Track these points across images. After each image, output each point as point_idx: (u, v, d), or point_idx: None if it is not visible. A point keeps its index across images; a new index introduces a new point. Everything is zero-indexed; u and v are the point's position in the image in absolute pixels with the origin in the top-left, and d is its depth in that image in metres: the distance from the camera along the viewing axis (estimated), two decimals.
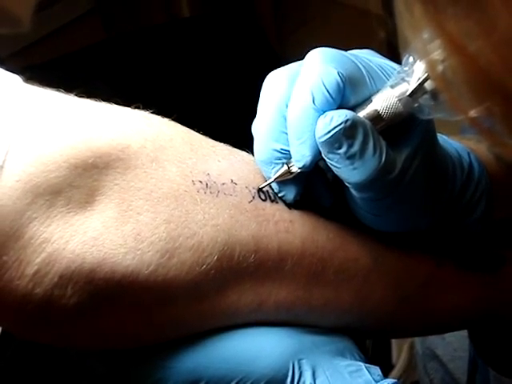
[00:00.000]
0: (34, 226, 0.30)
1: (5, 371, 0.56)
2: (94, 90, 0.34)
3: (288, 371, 0.34)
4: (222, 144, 0.37)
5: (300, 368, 0.34)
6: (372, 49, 0.42)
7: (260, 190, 0.35)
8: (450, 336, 0.49)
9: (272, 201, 0.36)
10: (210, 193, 0.34)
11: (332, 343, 0.36)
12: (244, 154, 0.37)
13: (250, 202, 0.35)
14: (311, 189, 0.37)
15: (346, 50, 0.38)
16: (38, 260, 0.30)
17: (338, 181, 0.36)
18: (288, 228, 0.36)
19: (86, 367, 0.55)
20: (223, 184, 0.34)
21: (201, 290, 0.34)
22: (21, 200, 0.30)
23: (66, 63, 0.76)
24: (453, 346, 0.49)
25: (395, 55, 1.41)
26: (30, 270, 0.30)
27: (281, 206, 0.36)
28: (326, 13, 1.98)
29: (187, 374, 0.34)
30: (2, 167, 0.30)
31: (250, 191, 0.35)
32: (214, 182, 0.34)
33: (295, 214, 0.36)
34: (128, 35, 1.02)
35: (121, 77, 0.72)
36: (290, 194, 0.36)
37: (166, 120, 0.35)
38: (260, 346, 0.35)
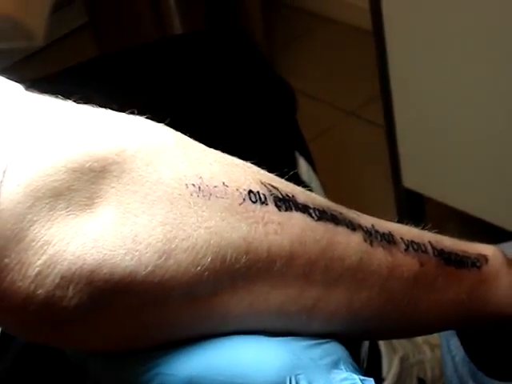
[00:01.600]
0: (34, 228, 0.31)
1: (5, 374, 0.57)
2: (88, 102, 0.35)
3: None
4: (212, 149, 0.37)
5: (297, 383, 0.35)
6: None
7: (250, 191, 0.36)
8: None
9: (262, 203, 0.36)
10: (203, 196, 0.35)
11: (327, 355, 0.37)
12: (234, 157, 0.38)
13: (240, 205, 0.36)
14: None
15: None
16: (40, 262, 0.31)
17: None
18: (277, 230, 0.36)
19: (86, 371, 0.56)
20: (215, 187, 0.35)
21: (195, 291, 0.34)
22: (22, 204, 0.31)
23: (60, 78, 0.76)
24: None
25: (384, 70, 1.42)
26: (32, 272, 0.31)
27: (270, 207, 0.37)
28: (315, 28, 2.01)
29: (183, 382, 0.34)
30: (4, 172, 0.31)
31: (240, 193, 0.36)
32: (207, 185, 0.35)
33: (284, 216, 0.37)
34: (123, 51, 1.02)
35: (115, 91, 0.72)
36: None
37: (159, 125, 0.36)
38: (256, 359, 0.35)
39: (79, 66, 0.84)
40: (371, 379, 0.37)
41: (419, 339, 1.13)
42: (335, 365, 0.37)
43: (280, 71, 0.97)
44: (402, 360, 1.10)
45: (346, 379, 0.36)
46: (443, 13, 1.13)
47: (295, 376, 0.35)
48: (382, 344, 1.06)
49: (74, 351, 0.38)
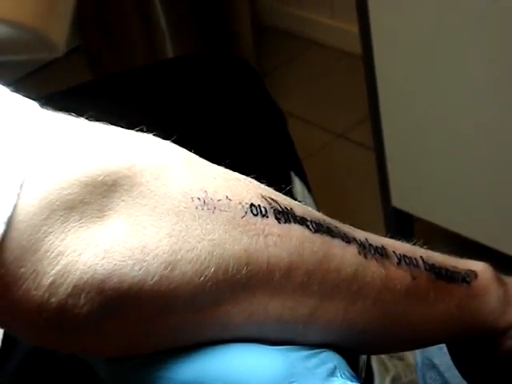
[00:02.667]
0: (49, 240, 0.33)
1: (10, 378, 0.57)
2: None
3: None
4: (215, 165, 0.39)
5: None
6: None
7: (252, 205, 0.38)
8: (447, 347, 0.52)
9: (263, 216, 0.38)
10: (208, 209, 0.36)
11: (323, 364, 0.38)
12: (235, 173, 0.39)
13: (242, 218, 0.37)
14: None
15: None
16: (54, 271, 0.33)
17: None
18: (276, 242, 0.38)
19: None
20: (219, 200, 0.37)
21: (198, 300, 0.36)
22: (37, 215, 0.32)
23: (55, 100, 0.78)
24: (449, 356, 0.52)
25: (374, 93, 1.44)
26: (46, 281, 0.33)
27: (270, 220, 0.38)
28: (304, 52, 2.03)
29: None
30: (21, 186, 0.32)
31: (242, 207, 0.37)
32: (211, 199, 0.36)
33: (283, 228, 0.38)
34: (116, 75, 1.04)
35: (111, 113, 0.74)
36: None
37: (167, 142, 0.38)
38: (253, 367, 0.36)
39: (76, 88, 0.86)
40: None
41: (411, 360, 1.14)
42: (331, 373, 0.38)
43: (270, 94, 0.99)
44: (394, 380, 1.11)
45: None
46: (432, 36, 1.15)
47: (290, 383, 0.36)
48: (374, 363, 1.07)
49: None
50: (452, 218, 1.30)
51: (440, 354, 0.60)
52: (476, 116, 1.17)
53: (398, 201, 1.35)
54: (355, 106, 1.74)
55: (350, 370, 0.39)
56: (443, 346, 0.55)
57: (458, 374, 0.54)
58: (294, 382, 0.36)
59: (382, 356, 1.09)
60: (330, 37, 2.01)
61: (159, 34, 1.69)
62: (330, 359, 0.39)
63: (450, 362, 0.54)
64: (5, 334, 0.55)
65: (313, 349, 0.39)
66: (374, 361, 1.07)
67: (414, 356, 0.66)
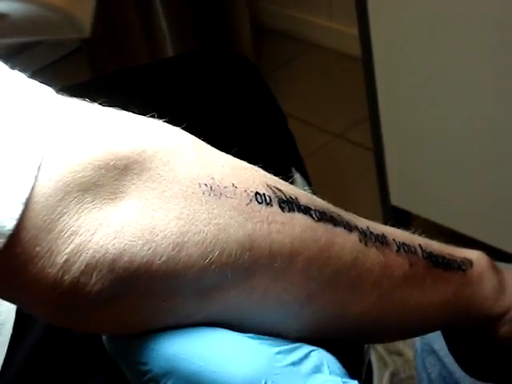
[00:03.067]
0: (63, 220, 0.34)
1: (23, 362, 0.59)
2: None
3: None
4: (223, 152, 0.40)
5: (273, 383, 0.36)
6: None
7: (257, 193, 0.39)
8: None
9: (267, 204, 0.39)
10: (214, 195, 0.37)
11: (308, 359, 0.39)
12: (243, 161, 0.41)
13: (247, 205, 0.38)
14: None
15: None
16: (68, 250, 0.34)
17: None
18: (279, 229, 0.39)
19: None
20: (225, 187, 0.38)
21: (202, 281, 0.37)
22: (52, 197, 0.34)
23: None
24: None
25: (374, 97, 1.46)
26: (60, 259, 0.34)
27: (274, 208, 0.39)
28: (304, 54, 2.05)
29: (165, 360, 0.37)
30: (39, 169, 0.33)
31: (248, 194, 0.38)
32: (218, 186, 0.38)
33: (287, 217, 0.40)
34: (115, 74, 1.05)
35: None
36: None
37: (177, 128, 0.39)
38: (237, 354, 0.37)
39: (77, 85, 0.87)
40: (355, 381, 0.38)
41: (410, 355, 1.15)
42: (317, 369, 0.38)
43: (271, 91, 1.01)
44: (393, 375, 1.12)
45: (327, 381, 0.38)
46: (431, 37, 1.16)
47: (272, 375, 0.36)
48: (373, 359, 1.08)
49: None
50: (450, 215, 1.31)
51: (439, 340, 0.61)
52: (474, 116, 1.18)
53: (396, 199, 1.36)
54: (353, 107, 1.76)
55: (339, 367, 0.39)
56: (442, 331, 0.56)
57: None
58: (278, 373, 0.37)
59: (381, 351, 1.10)
60: (328, 39, 2.03)
61: (160, 35, 1.70)
62: (317, 355, 0.39)
63: None
64: (16, 320, 0.56)
65: (299, 343, 0.39)
66: (373, 356, 1.08)
67: (414, 344, 0.67)
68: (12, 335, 0.56)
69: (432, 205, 1.33)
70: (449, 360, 0.62)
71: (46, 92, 0.36)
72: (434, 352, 0.64)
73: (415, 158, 1.31)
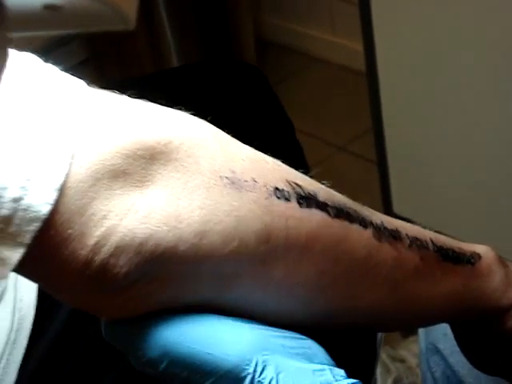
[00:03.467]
0: (94, 204, 0.36)
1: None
2: None
3: (251, 363, 0.37)
4: (246, 145, 0.42)
5: (264, 362, 0.38)
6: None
7: (276, 188, 0.40)
8: (451, 333, 0.54)
9: (285, 199, 0.40)
10: (235, 188, 0.39)
11: (301, 348, 0.40)
12: (265, 155, 0.42)
13: (266, 199, 0.40)
14: None
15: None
16: (98, 233, 0.35)
17: None
18: (296, 224, 0.40)
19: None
20: (245, 181, 0.39)
21: (221, 270, 0.39)
22: (84, 183, 0.35)
23: None
24: (453, 341, 0.54)
25: (378, 110, 1.46)
26: (91, 242, 0.35)
27: (292, 204, 0.41)
28: (306, 67, 2.07)
29: (157, 346, 0.38)
30: (72, 157, 0.35)
31: (267, 189, 0.40)
32: (238, 179, 0.39)
33: (304, 212, 0.41)
34: (121, 83, 1.06)
35: None
36: None
37: (202, 121, 0.41)
38: (230, 335, 0.38)
39: None
40: (341, 369, 0.39)
41: (413, 363, 1.16)
42: (308, 358, 0.40)
43: (279, 100, 1.02)
44: (395, 381, 1.13)
45: (315, 367, 0.39)
46: (436, 52, 1.18)
47: (263, 355, 0.38)
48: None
49: None
50: (453, 226, 1.32)
51: (444, 340, 0.62)
52: (478, 129, 1.20)
53: (399, 211, 1.37)
54: (356, 120, 1.78)
55: (329, 358, 0.40)
56: (447, 331, 0.57)
57: (462, 359, 0.56)
58: (268, 354, 0.38)
59: (384, 358, 1.12)
60: (330, 53, 2.05)
61: (165, 47, 1.72)
62: (310, 346, 0.40)
63: (454, 347, 0.56)
64: (36, 316, 0.57)
65: (293, 333, 0.41)
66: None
67: (419, 344, 0.68)
68: (32, 330, 0.57)
69: (435, 216, 1.35)
70: (454, 359, 0.63)
71: (78, 84, 0.38)
72: (438, 351, 0.65)
73: (418, 170, 1.32)
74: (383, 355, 1.10)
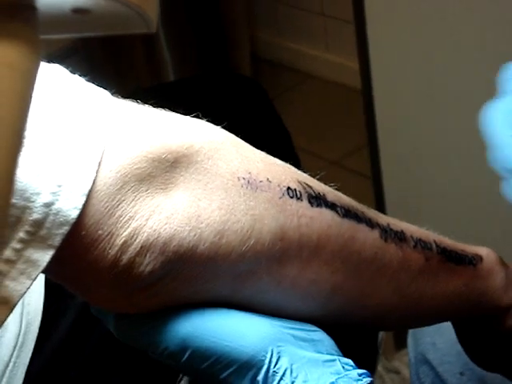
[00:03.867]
0: (122, 206, 0.37)
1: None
2: None
3: (266, 354, 0.39)
4: (258, 150, 0.44)
5: (278, 353, 0.40)
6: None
7: (289, 188, 0.42)
8: (440, 343, 0.55)
9: (298, 198, 0.42)
10: (251, 188, 0.41)
11: (312, 340, 0.42)
12: (276, 158, 0.44)
13: (280, 198, 0.42)
14: None
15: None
16: (125, 233, 0.37)
17: None
18: (308, 223, 0.42)
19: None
20: (261, 181, 0.41)
21: (238, 267, 0.40)
22: (113, 186, 0.37)
23: None
24: (442, 351, 0.55)
25: (373, 126, 1.47)
26: (119, 241, 0.37)
27: (304, 203, 0.43)
28: (300, 84, 2.09)
29: (178, 340, 0.40)
30: (100, 163, 0.37)
31: (280, 189, 0.42)
32: (254, 180, 0.41)
33: (315, 212, 0.43)
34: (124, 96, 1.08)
35: None
36: None
37: (218, 127, 0.43)
38: (245, 327, 0.40)
39: None
40: (349, 359, 0.41)
41: (407, 374, 1.17)
42: (318, 351, 0.41)
43: (277, 112, 1.04)
44: None
45: (326, 357, 0.41)
46: (432, 68, 1.19)
47: (277, 347, 0.40)
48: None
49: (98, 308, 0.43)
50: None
51: (433, 350, 0.63)
52: (475, 146, 1.20)
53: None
54: (349, 136, 1.80)
55: (338, 351, 0.42)
56: (436, 341, 0.59)
57: (451, 369, 0.58)
58: (282, 346, 0.40)
59: (379, 370, 1.13)
60: (324, 69, 2.07)
61: (162, 63, 1.74)
62: (321, 339, 0.42)
63: (443, 357, 0.58)
64: (42, 320, 0.59)
65: (304, 324, 0.43)
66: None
67: (407, 354, 0.69)
68: (38, 334, 0.58)
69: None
70: (442, 369, 0.64)
71: (103, 94, 0.40)
72: (427, 362, 0.66)
73: (413, 186, 1.34)
74: (378, 367, 1.11)
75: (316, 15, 2.05)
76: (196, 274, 0.39)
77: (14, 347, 0.57)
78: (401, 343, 1.24)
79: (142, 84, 1.72)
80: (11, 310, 0.35)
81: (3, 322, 0.35)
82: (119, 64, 1.73)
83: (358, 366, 0.42)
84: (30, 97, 0.29)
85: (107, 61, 1.71)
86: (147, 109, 0.41)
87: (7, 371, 0.56)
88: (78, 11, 0.31)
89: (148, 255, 0.37)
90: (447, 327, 0.56)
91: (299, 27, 2.11)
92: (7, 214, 0.30)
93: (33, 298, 0.60)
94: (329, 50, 2.07)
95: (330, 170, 1.83)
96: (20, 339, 0.58)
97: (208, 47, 1.84)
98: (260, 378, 0.39)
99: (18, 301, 0.35)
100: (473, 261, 0.50)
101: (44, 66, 0.38)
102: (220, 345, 0.39)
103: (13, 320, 0.58)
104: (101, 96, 0.40)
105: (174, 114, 0.42)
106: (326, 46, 2.08)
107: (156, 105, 0.44)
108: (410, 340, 0.70)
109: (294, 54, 2.13)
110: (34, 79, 0.29)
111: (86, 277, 0.38)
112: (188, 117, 0.42)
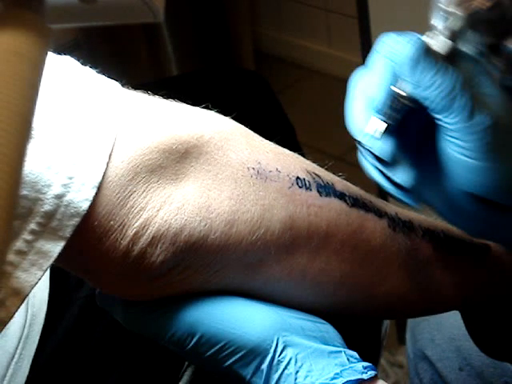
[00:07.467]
0: (133, 197, 0.38)
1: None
2: None
3: (272, 343, 0.40)
4: (267, 140, 0.44)
5: (284, 342, 0.40)
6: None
7: (298, 178, 0.42)
8: (439, 339, 0.55)
9: (307, 188, 0.42)
10: (261, 178, 0.41)
11: (319, 331, 0.42)
12: (285, 149, 0.44)
13: (289, 188, 0.42)
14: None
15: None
16: (137, 224, 0.38)
17: None
18: (317, 212, 0.43)
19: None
20: (270, 171, 0.42)
21: (248, 257, 0.41)
22: (124, 177, 0.38)
23: None
24: (441, 347, 0.55)
25: None
26: (131, 232, 0.38)
27: (313, 193, 0.43)
28: (302, 79, 2.09)
29: (186, 326, 0.40)
30: (111, 152, 0.37)
31: (290, 179, 0.42)
32: (264, 170, 0.41)
33: (324, 201, 0.43)
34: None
35: None
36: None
37: (227, 118, 0.43)
38: (251, 315, 0.40)
39: None
40: (355, 352, 0.41)
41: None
42: (324, 341, 0.42)
43: (282, 106, 1.04)
44: None
45: (331, 348, 0.41)
46: None
47: (283, 336, 0.40)
48: None
49: (103, 297, 0.43)
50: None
51: (432, 346, 0.63)
52: None
53: None
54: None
55: (343, 343, 0.43)
56: (435, 337, 0.59)
57: (450, 365, 0.58)
58: (288, 335, 0.40)
59: (383, 363, 1.13)
60: (327, 65, 2.07)
61: (165, 58, 1.74)
62: (327, 330, 0.42)
63: (442, 353, 0.58)
64: (48, 312, 0.59)
65: (311, 316, 0.43)
66: None
67: (406, 350, 0.69)
68: (44, 326, 0.58)
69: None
70: (441, 365, 0.64)
71: (114, 85, 0.40)
72: (425, 358, 0.66)
73: None
74: (382, 360, 1.11)
75: (319, 10, 2.05)
76: (207, 264, 0.39)
77: (20, 339, 0.57)
78: (404, 338, 1.25)
79: (145, 79, 1.72)
80: (22, 302, 0.35)
81: (14, 314, 0.35)
82: (122, 59, 1.73)
83: (362, 358, 0.42)
84: (39, 84, 0.29)
85: (110, 56, 1.71)
86: (157, 100, 0.41)
87: (13, 363, 0.57)
88: (84, 0, 0.31)
89: (159, 245, 0.38)
90: (446, 323, 0.56)
91: (302, 22, 2.11)
92: (17, 199, 0.30)
93: (38, 289, 0.60)
94: (332, 45, 2.07)
95: (334, 165, 1.84)
96: (25, 331, 0.58)
97: (211, 43, 1.84)
98: (264, 366, 0.39)
99: (30, 292, 0.35)
100: (481, 250, 0.50)
101: (55, 58, 0.39)
102: (226, 331, 0.39)
103: (18, 312, 0.58)
104: (111, 87, 0.40)
105: (183, 105, 0.42)
106: (330, 41, 2.08)
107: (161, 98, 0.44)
108: (408, 336, 0.70)
109: (298, 50, 2.13)
110: (43, 67, 0.29)
111: (98, 267, 0.38)
112: (197, 108, 0.42)
